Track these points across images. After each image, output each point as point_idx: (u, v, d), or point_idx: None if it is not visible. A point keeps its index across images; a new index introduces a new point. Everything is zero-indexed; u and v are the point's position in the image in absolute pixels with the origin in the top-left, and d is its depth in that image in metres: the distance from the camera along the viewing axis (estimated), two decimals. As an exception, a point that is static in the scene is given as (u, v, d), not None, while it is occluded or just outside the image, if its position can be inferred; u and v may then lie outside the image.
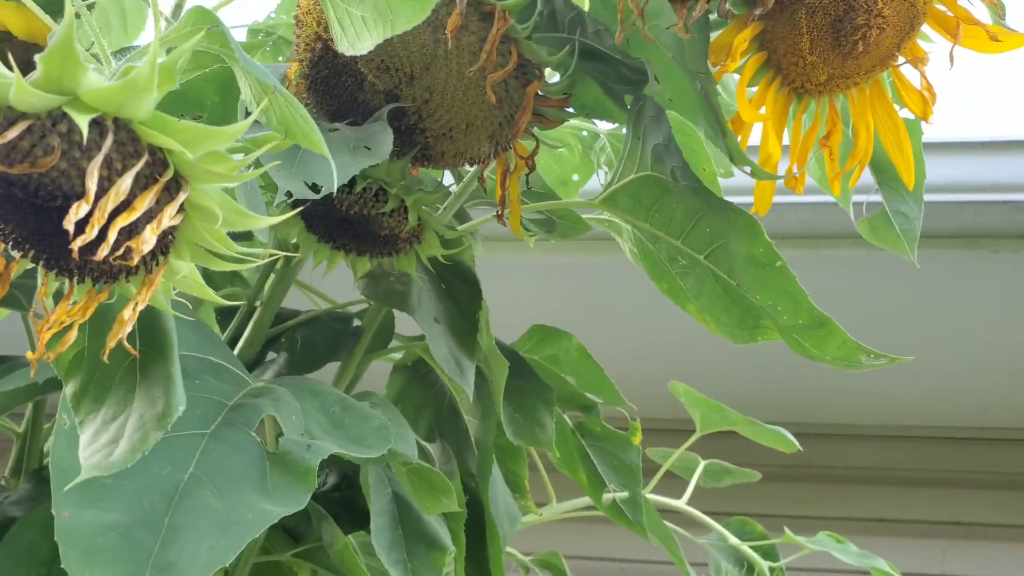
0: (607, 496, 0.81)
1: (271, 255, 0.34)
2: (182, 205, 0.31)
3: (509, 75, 0.58)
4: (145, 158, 0.29)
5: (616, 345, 1.77)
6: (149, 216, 0.30)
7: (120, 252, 0.29)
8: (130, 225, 0.29)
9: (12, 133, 0.27)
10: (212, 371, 0.55)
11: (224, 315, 0.82)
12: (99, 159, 0.28)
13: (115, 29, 0.87)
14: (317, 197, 0.53)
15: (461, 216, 0.82)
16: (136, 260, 0.29)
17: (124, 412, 0.35)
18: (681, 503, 1.04)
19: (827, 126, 0.60)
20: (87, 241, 0.28)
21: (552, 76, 0.71)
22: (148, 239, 0.29)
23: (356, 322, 0.81)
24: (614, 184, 0.70)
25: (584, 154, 1.06)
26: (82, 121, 0.27)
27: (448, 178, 0.84)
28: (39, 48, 0.59)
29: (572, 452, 0.83)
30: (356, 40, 0.36)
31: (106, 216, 0.28)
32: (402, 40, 0.57)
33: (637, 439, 0.81)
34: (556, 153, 1.08)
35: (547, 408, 0.77)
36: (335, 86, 0.64)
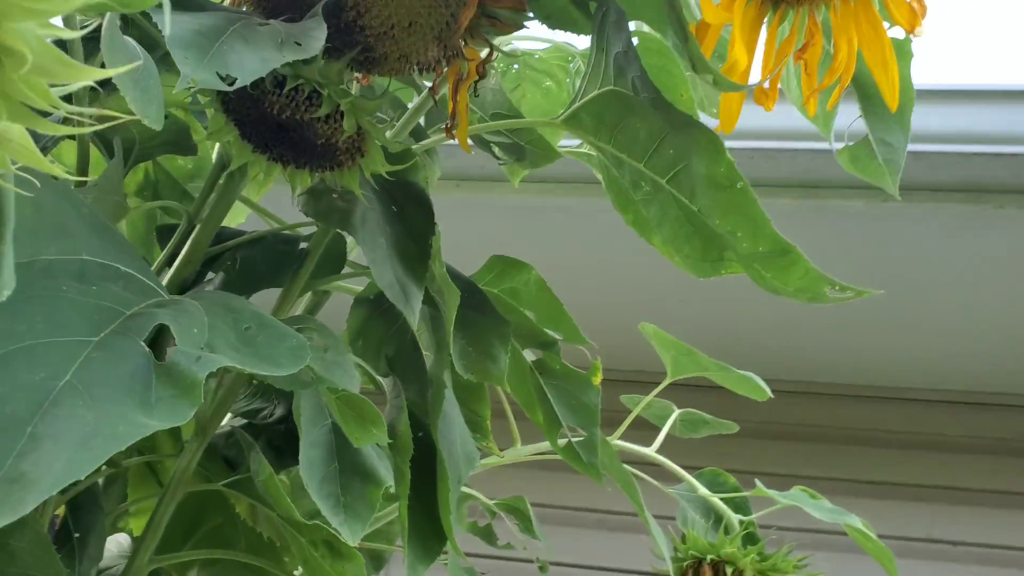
0: (562, 438, 0.77)
1: (107, 119, 0.29)
2: (-11, 47, 0.26)
3: (453, -32, 0.53)
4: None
5: (589, 291, 1.73)
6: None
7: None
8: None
9: None
10: (115, 279, 0.50)
11: (165, 234, 0.78)
12: None
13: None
14: (229, 89, 0.48)
15: (419, 135, 0.77)
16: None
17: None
18: (651, 451, 1.00)
19: (805, 37, 0.54)
20: None
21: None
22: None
23: (304, 245, 0.77)
24: (577, 102, 0.65)
25: (572, 82, 1.00)
26: None
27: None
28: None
29: (530, 391, 0.79)
30: None
31: None
32: (333, -82, 0.51)
33: (597, 379, 0.77)
34: (543, 87, 1.02)
35: (502, 342, 0.73)
36: (268, -20, 0.59)
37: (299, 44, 0.54)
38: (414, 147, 0.73)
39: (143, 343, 0.44)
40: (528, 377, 0.78)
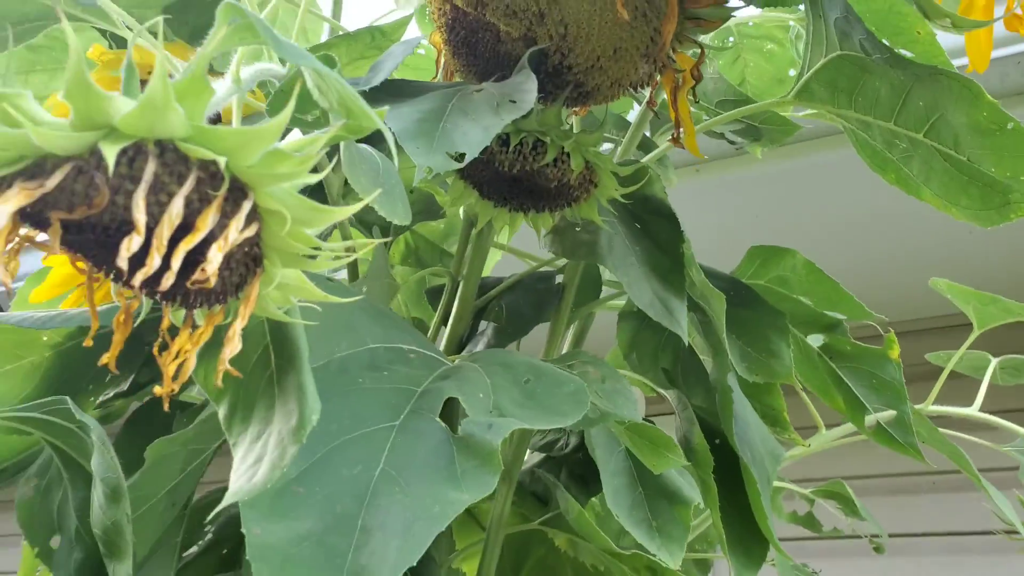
0: (870, 419, 0.72)
1: (358, 245, 0.32)
2: (254, 213, 0.30)
3: (646, -18, 0.52)
4: (196, 175, 0.28)
5: (846, 251, 1.61)
6: (217, 234, 0.28)
7: (195, 277, 0.28)
8: (199, 248, 0.28)
9: (54, 180, 0.26)
10: (403, 359, 0.54)
11: (433, 295, 0.83)
12: (143, 187, 0.27)
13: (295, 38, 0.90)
14: (461, 166, 0.50)
15: (647, 146, 0.76)
16: (212, 281, 0.28)
17: (267, 429, 0.34)
18: (973, 411, 0.92)
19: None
20: (150, 273, 0.27)
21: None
22: (214, 258, 0.28)
23: (559, 279, 0.78)
24: (805, 73, 0.62)
25: (795, 45, 0.95)
26: (110, 153, 0.26)
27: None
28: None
29: (823, 377, 0.75)
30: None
31: (164, 244, 0.27)
32: (520, -23, 0.52)
33: (894, 352, 0.71)
34: (765, 52, 0.98)
35: (781, 336, 0.70)
36: (475, 44, 0.61)
37: (514, 102, 0.55)
38: (643, 161, 0.72)
39: (438, 419, 0.47)
40: (818, 364, 0.74)
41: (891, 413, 0.72)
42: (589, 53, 0.56)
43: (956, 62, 0.56)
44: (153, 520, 0.55)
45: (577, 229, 0.67)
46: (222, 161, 0.28)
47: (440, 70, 0.68)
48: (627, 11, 0.51)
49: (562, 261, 0.81)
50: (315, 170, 0.31)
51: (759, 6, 0.64)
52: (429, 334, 0.78)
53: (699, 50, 0.58)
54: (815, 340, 0.76)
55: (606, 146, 0.86)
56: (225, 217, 0.29)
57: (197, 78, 0.28)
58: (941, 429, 0.87)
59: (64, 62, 0.68)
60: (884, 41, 0.52)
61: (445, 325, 0.78)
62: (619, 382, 0.65)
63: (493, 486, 0.43)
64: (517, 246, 0.86)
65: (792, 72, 0.98)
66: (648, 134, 0.77)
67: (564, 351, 0.84)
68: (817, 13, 0.57)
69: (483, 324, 0.79)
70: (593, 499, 0.85)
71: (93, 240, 0.30)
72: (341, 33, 0.72)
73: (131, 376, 0.65)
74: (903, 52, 0.73)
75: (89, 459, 0.49)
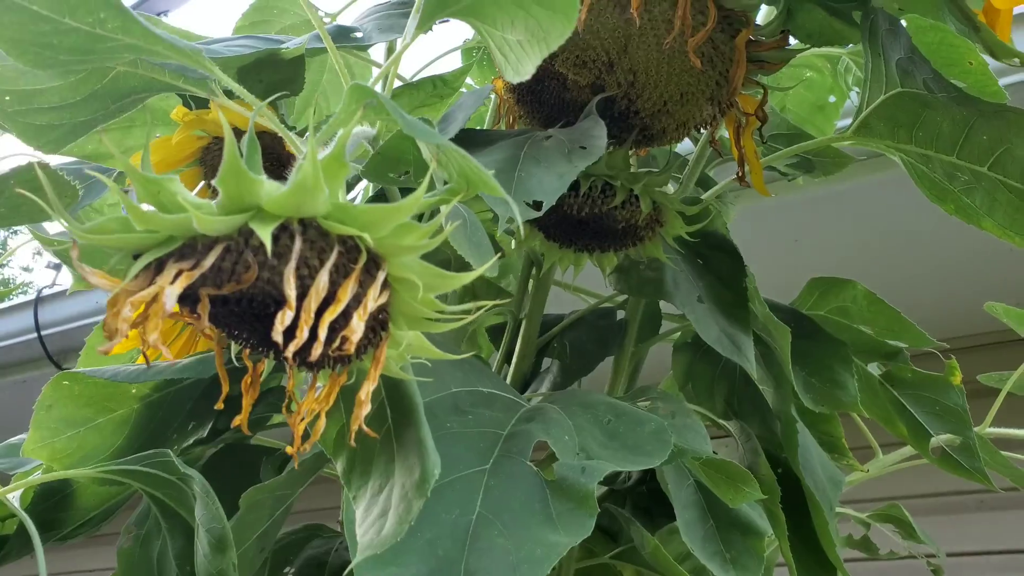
0: (935, 446, 0.72)
1: (478, 308, 0.33)
2: (386, 281, 0.31)
3: (712, 32, 0.54)
4: (337, 249, 0.29)
5: (886, 271, 1.61)
6: (356, 302, 0.30)
7: (336, 344, 0.30)
8: (339, 316, 0.30)
9: (209, 259, 0.28)
10: (484, 402, 0.56)
11: (495, 332, 0.84)
12: (292, 264, 0.28)
13: (337, 92, 0.92)
14: (540, 215, 0.51)
15: (704, 182, 0.77)
16: (352, 348, 0.30)
17: (388, 482, 0.36)
18: (1031, 432, 0.92)
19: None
20: (300, 344, 0.28)
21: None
22: (357, 327, 0.29)
23: (621, 314, 0.80)
24: (864, 110, 0.63)
25: (834, 71, 0.96)
26: (264, 234, 0.28)
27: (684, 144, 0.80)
28: (264, 140, 0.64)
29: (885, 405, 0.76)
30: (519, 66, 0.34)
31: (312, 316, 0.29)
32: (591, 30, 0.54)
33: (957, 379, 0.72)
34: (806, 79, 0.99)
35: (845, 366, 0.71)
36: (540, 92, 0.63)
37: (584, 148, 0.57)
38: (705, 197, 0.74)
39: (529, 463, 0.48)
40: (880, 392, 0.75)
41: (955, 438, 0.72)
42: (657, 99, 0.57)
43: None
44: (245, 566, 0.56)
45: (641, 267, 0.69)
46: (367, 237, 0.29)
47: (501, 117, 0.70)
48: (698, 59, 0.52)
49: (621, 297, 0.83)
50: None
51: (813, 44, 0.65)
52: (493, 371, 0.80)
53: (761, 90, 0.60)
54: (874, 368, 0.77)
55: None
56: (362, 287, 0.30)
57: (337, 158, 0.29)
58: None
59: (141, 119, 0.71)
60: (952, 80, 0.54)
61: (508, 363, 0.79)
62: (688, 417, 0.66)
63: (590, 528, 0.45)
64: (567, 279, 0.87)
65: (832, 98, 0.99)
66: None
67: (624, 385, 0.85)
68: (876, 52, 0.58)
69: (546, 362, 0.80)
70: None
71: (232, 311, 0.31)
72: (400, 83, 0.74)
73: (210, 423, 0.67)
74: (957, 83, 0.74)
75: (188, 510, 0.50)
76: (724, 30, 0.55)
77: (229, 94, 0.57)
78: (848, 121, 1.02)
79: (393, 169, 0.45)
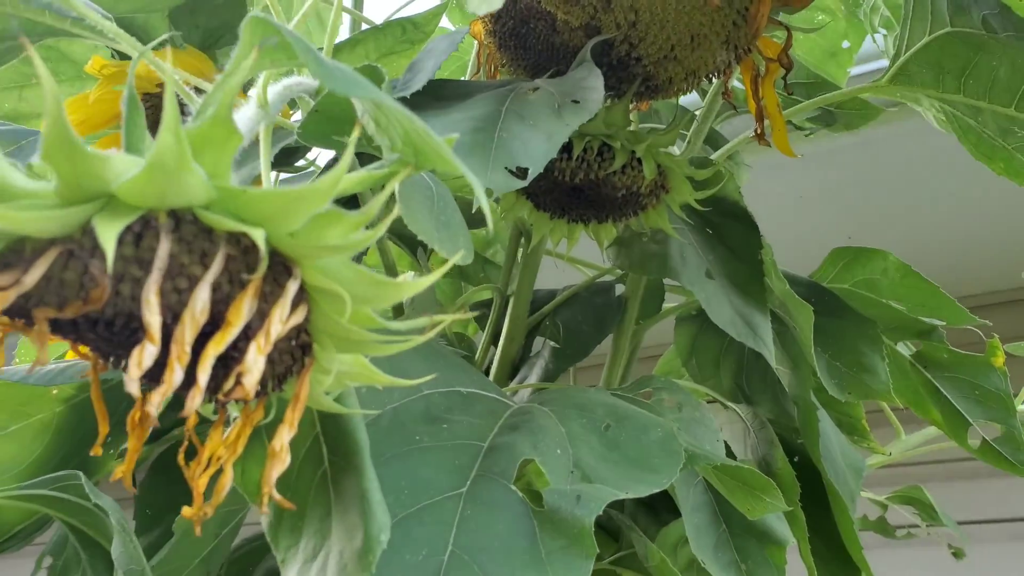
0: (973, 435, 0.65)
1: (437, 321, 0.24)
2: (301, 293, 0.23)
3: (730, -42, 0.44)
4: (223, 253, 0.21)
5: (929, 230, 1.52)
6: (256, 325, 0.21)
7: (228, 386, 0.21)
8: (230, 347, 0.21)
9: (34, 274, 0.19)
10: (462, 406, 0.47)
11: (481, 310, 0.75)
12: (155, 276, 0.20)
13: (315, 34, 0.83)
14: (524, 184, 0.42)
15: (713, 140, 0.68)
16: (250, 392, 0.21)
17: (324, 544, 0.28)
18: (1069, 409, 0.84)
19: None
20: (169, 392, 0.20)
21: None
22: (254, 364, 0.21)
23: (620, 288, 0.71)
24: (904, 54, 0.54)
25: (850, 13, 0.87)
26: (108, 234, 0.19)
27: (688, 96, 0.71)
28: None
29: (917, 388, 0.68)
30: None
31: (187, 349, 0.20)
32: (583, -42, 0.45)
33: (999, 359, 0.64)
34: (816, 22, 0.90)
35: (874, 348, 0.62)
36: (525, 36, 0.53)
37: (577, 102, 0.48)
38: (715, 157, 0.65)
39: (513, 487, 0.40)
40: (911, 374, 0.67)
41: (996, 428, 0.64)
42: (663, 42, 0.48)
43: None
44: (188, 595, 0.48)
45: (644, 239, 0.60)
46: (259, 234, 0.21)
47: (481, 66, 0.61)
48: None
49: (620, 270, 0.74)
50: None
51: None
52: (478, 356, 0.71)
53: (785, 31, 0.51)
54: (904, 348, 0.68)
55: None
56: (265, 303, 0.22)
57: (220, 121, 0.20)
58: None
59: (64, 73, 0.61)
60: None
61: (495, 345, 0.71)
62: (697, 410, 0.58)
63: (587, 572, 0.36)
64: (561, 250, 0.79)
65: (846, 44, 0.90)
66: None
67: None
68: (922, -18, 0.49)
69: (537, 343, 0.71)
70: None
71: (95, 334, 0.23)
72: (367, 27, 0.65)
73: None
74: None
75: (109, 540, 0.42)
76: (743, -42, 0.46)
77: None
78: (869, 67, 0.92)
79: (337, 131, 0.36)
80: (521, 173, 0.44)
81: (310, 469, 0.29)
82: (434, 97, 0.51)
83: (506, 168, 0.44)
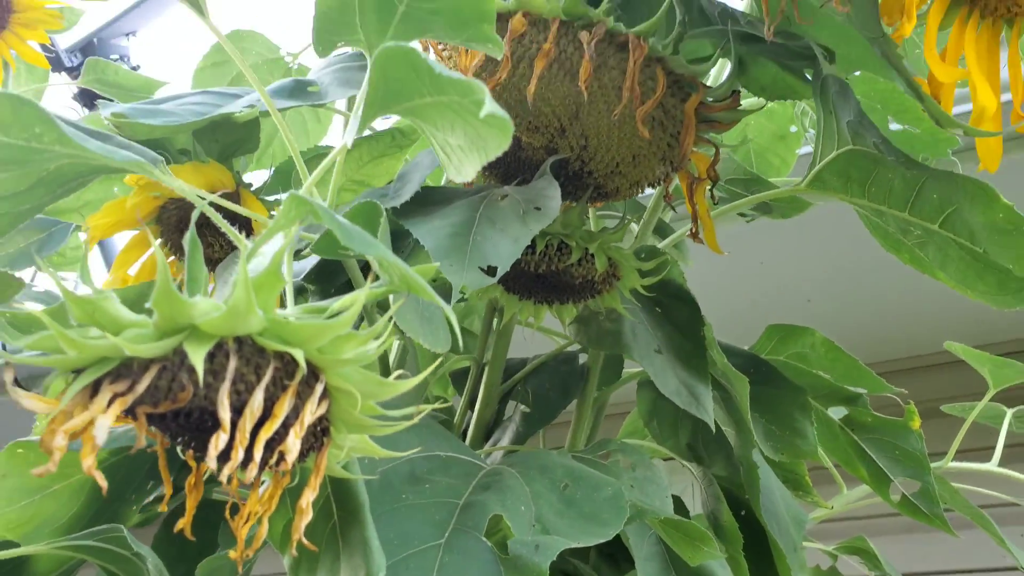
0: (894, 492, 0.73)
1: (421, 410, 0.33)
2: (325, 392, 0.31)
3: (663, 97, 0.54)
4: (273, 366, 0.29)
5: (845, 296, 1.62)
6: (293, 417, 0.30)
7: (274, 459, 0.30)
8: (276, 432, 0.30)
9: (144, 383, 0.28)
10: (442, 468, 0.56)
11: (458, 376, 0.84)
12: (226, 384, 0.28)
13: (300, 134, 0.92)
14: (494, 281, 0.51)
15: (662, 229, 0.78)
16: (290, 465, 0.29)
17: (334, 582, 0.36)
18: (992, 466, 0.93)
19: (1055, 46, 0.50)
20: (235, 466, 0.28)
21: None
22: (293, 445, 0.29)
23: (583, 358, 0.80)
24: (818, 163, 0.64)
25: (803, 120, 0.97)
26: (197, 358, 0.27)
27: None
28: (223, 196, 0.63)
29: (846, 448, 0.77)
30: (460, 168, 0.34)
31: (247, 436, 0.28)
32: (541, 98, 0.54)
33: (916, 423, 0.73)
34: (766, 110, 1.00)
35: (804, 414, 0.71)
36: (496, 150, 0.63)
37: (539, 209, 0.57)
38: (662, 246, 0.74)
39: (483, 538, 0.48)
40: (840, 435, 0.76)
41: (914, 485, 0.73)
42: (609, 160, 0.58)
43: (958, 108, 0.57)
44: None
45: (601, 318, 0.69)
46: (298, 353, 0.29)
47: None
48: (646, 128, 0.53)
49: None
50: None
51: (766, 97, 0.66)
52: (456, 418, 0.80)
53: (714, 149, 0.60)
54: (836, 412, 0.77)
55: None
56: (300, 400, 0.30)
57: (272, 273, 0.29)
58: (960, 485, 0.88)
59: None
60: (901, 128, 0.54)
61: (471, 408, 0.79)
62: (649, 469, 0.66)
63: (544, 608, 0.45)
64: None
65: (793, 128, 1.00)
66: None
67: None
68: (828, 110, 0.59)
69: (510, 407, 0.80)
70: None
71: (170, 421, 0.31)
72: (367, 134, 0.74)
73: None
74: (910, 128, 0.75)
75: (144, 584, 0.50)
76: (675, 94, 0.55)
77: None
78: (810, 149, 1.03)
79: (344, 249, 0.45)
80: (492, 271, 0.53)
81: (323, 521, 0.37)
82: (419, 204, 0.60)
83: (479, 267, 0.53)
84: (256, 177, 0.76)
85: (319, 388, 0.31)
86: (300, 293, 0.72)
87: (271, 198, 0.69)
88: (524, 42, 0.53)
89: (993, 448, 0.95)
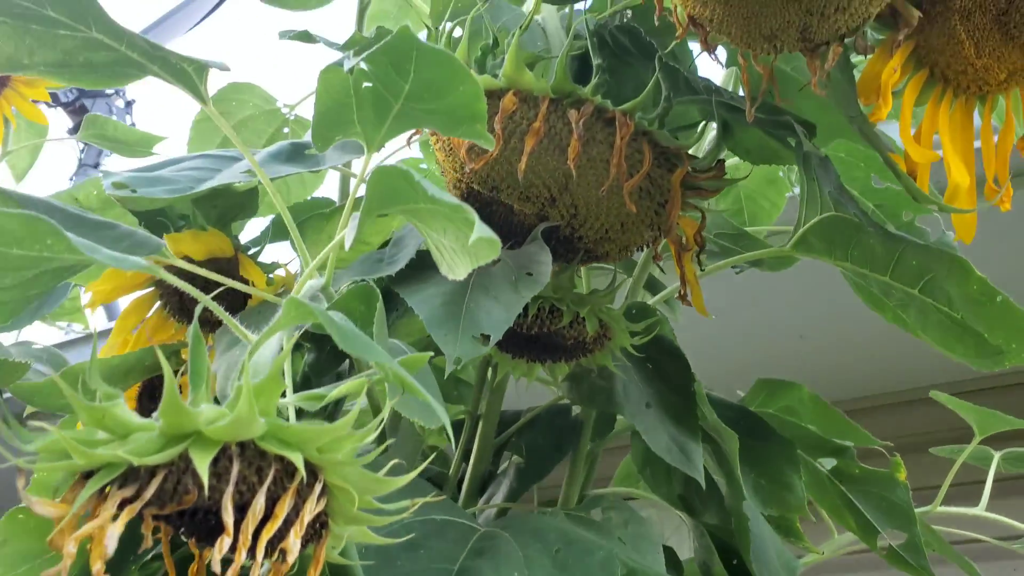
0: (882, 542, 0.74)
1: (415, 504, 0.34)
2: (324, 488, 0.32)
3: (650, 169, 0.56)
4: (274, 468, 0.31)
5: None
6: (294, 515, 0.31)
7: (275, 556, 0.31)
8: (277, 531, 0.31)
9: (152, 488, 0.29)
10: (437, 532, 0.57)
11: (455, 428, 0.85)
12: (230, 488, 0.30)
13: (296, 184, 0.94)
14: (487, 350, 0.53)
15: (652, 285, 0.79)
16: (291, 562, 0.31)
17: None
18: (980, 510, 0.94)
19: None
20: (238, 569, 0.30)
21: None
22: (294, 545, 0.30)
23: (576, 410, 0.81)
24: (802, 226, 0.65)
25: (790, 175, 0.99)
26: (202, 466, 0.29)
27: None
28: (219, 263, 0.65)
29: (834, 499, 0.78)
30: (453, 266, 0.36)
31: (250, 538, 0.30)
32: (533, 170, 0.56)
33: (902, 475, 0.74)
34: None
35: (792, 467, 0.72)
36: (489, 215, 0.64)
37: (531, 274, 0.58)
38: (652, 302, 0.76)
39: (478, 607, 0.49)
40: (828, 487, 0.77)
41: (900, 536, 0.74)
42: (599, 228, 0.59)
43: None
44: None
45: (592, 375, 0.70)
46: (297, 456, 0.31)
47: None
48: (632, 202, 0.54)
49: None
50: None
51: (751, 161, 0.68)
52: (451, 470, 0.81)
53: (700, 215, 0.62)
54: (825, 463, 0.79)
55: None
56: (300, 499, 0.32)
57: (272, 379, 0.31)
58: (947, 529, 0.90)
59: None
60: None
61: (466, 460, 0.80)
62: (641, 525, 0.68)
63: (539, 677, 0.46)
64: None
65: (782, 173, 1.02)
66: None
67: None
68: (811, 177, 0.61)
69: (504, 462, 0.81)
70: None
71: (175, 517, 0.32)
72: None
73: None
74: (892, 186, 0.77)
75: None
76: (661, 165, 0.57)
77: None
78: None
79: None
80: (485, 339, 0.54)
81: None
82: (414, 269, 0.61)
83: (473, 336, 0.54)
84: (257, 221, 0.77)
85: (318, 487, 0.32)
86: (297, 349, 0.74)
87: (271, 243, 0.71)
88: (515, 118, 0.54)
89: (979, 483, 0.97)
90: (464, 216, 0.30)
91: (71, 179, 2.87)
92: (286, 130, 1.08)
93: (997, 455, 1.00)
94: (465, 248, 0.33)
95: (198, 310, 0.35)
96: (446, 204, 0.31)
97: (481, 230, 0.29)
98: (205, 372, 0.34)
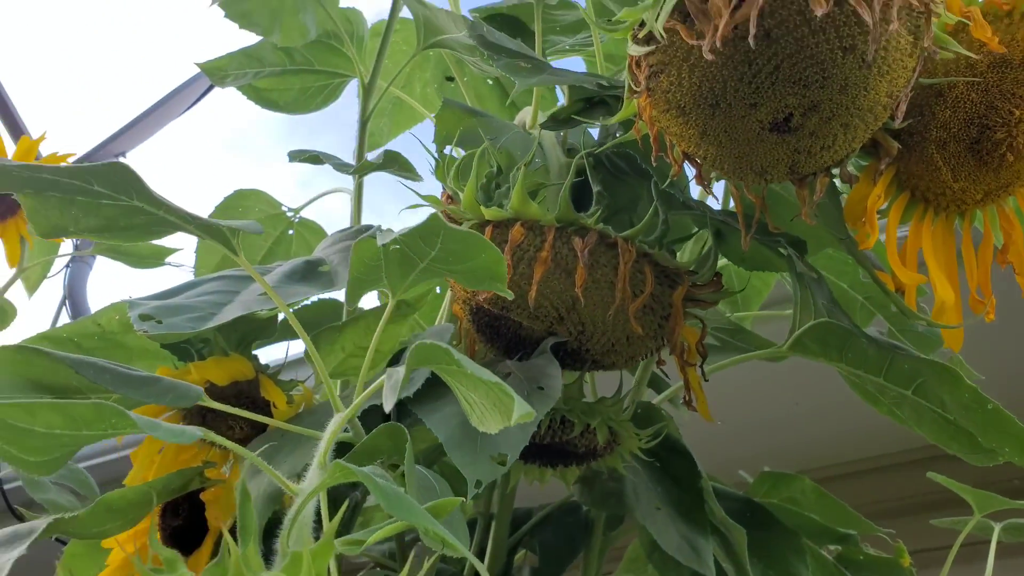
0: (890, 627, 0.76)
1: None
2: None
3: (653, 288, 0.59)
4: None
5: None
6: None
7: None
8: None
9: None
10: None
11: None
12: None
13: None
14: (506, 470, 0.55)
15: (656, 383, 0.82)
16: None
17: None
18: (984, 584, 0.96)
19: (1002, 236, 0.55)
20: None
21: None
22: None
23: (586, 508, 0.83)
24: (797, 329, 0.68)
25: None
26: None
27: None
28: (241, 386, 0.67)
29: (841, 585, 0.79)
30: (483, 420, 0.38)
31: None
32: (541, 293, 0.59)
33: (906, 561, 0.76)
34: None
35: (798, 557, 0.74)
36: (498, 328, 0.67)
37: (542, 388, 0.61)
38: (656, 401, 0.78)
39: None
40: (835, 573, 0.79)
41: (908, 618, 0.76)
42: (606, 342, 0.62)
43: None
44: None
45: (603, 477, 0.72)
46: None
47: (463, 338, 0.74)
48: (639, 323, 0.57)
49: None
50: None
51: (746, 268, 0.71)
52: (465, 572, 0.82)
53: (701, 324, 0.65)
54: (829, 550, 0.80)
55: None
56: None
57: (327, 544, 0.33)
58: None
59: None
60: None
61: (481, 558, 0.82)
62: (656, 623, 0.69)
63: None
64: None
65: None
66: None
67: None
68: (804, 285, 0.64)
69: (517, 561, 0.83)
70: None
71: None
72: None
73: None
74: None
75: None
76: (662, 283, 0.60)
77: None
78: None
79: (372, 460, 0.49)
80: (502, 459, 0.57)
81: None
82: (430, 386, 0.64)
83: (490, 455, 0.57)
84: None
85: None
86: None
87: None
88: (523, 246, 0.58)
89: (982, 543, 0.98)
90: (503, 391, 0.33)
91: (66, 267, 2.88)
92: (291, 232, 1.11)
93: (997, 527, 1.02)
94: (496, 407, 0.36)
95: (244, 469, 0.38)
96: (484, 381, 0.34)
97: (521, 408, 0.32)
98: (253, 526, 0.36)
